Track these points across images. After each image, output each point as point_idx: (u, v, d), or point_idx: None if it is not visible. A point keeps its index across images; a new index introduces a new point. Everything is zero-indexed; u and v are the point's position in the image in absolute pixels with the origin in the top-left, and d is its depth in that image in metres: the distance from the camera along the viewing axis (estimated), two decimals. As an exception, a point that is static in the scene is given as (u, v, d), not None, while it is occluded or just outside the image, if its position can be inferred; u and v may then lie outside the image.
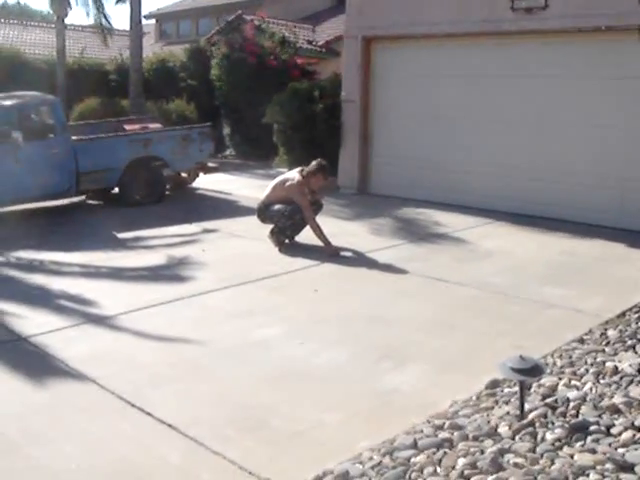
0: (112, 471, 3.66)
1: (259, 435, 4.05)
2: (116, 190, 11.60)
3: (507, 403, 4.31)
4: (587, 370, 4.84)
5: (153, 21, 31.00)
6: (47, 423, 4.18)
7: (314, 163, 8.63)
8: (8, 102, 10.47)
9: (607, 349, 5.30)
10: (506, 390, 4.54)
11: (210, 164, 12.94)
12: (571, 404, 4.19)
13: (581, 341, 5.54)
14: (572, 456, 3.52)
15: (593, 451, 3.55)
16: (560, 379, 4.69)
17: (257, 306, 6.44)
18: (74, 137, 10.83)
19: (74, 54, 23.88)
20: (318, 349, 5.40)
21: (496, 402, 4.37)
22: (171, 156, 11.67)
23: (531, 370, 3.96)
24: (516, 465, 3.45)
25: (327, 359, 5.20)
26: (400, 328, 5.86)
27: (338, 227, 9.50)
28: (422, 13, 11.42)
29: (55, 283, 7.19)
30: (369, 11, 12.15)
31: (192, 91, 20.43)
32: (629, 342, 5.43)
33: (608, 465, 3.38)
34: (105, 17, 22.39)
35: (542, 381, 4.64)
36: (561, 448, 3.62)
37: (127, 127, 12.59)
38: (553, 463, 3.44)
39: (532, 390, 4.49)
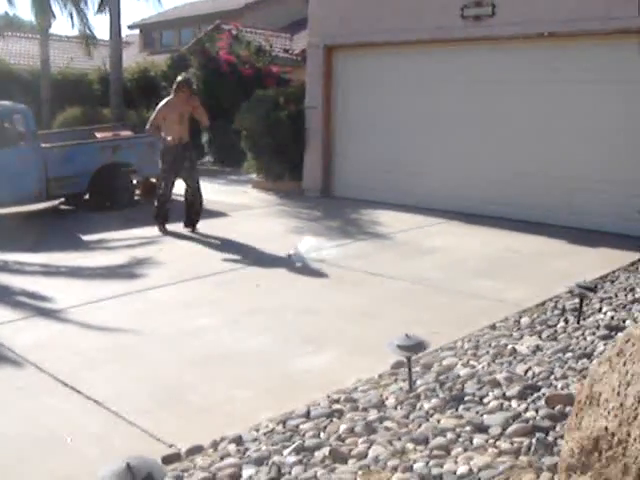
0: (35, 438, 4.10)
1: (174, 409, 4.51)
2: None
3: (404, 380, 4.74)
4: (487, 352, 5.29)
5: (138, 31, 31.49)
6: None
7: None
8: (-21, 111, 10.94)
9: (515, 334, 5.75)
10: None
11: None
12: (459, 380, 4.64)
13: (493, 327, 5.97)
14: (439, 421, 3.97)
15: (460, 417, 4.01)
16: (460, 359, 5.14)
17: (199, 299, 6.90)
18: (44, 144, 11.25)
19: (59, 64, 24.37)
20: (246, 336, 5.85)
21: (395, 380, 4.80)
22: (139, 162, 12.09)
23: (415, 346, 4.43)
24: (387, 429, 3.90)
25: (252, 345, 5.65)
26: (327, 318, 6.31)
27: (294, 226, 9.93)
28: (379, 22, 11.89)
29: (15, 281, 7.64)
30: (330, 21, 12.63)
31: (172, 99, 20.88)
32: (538, 328, 5.88)
33: (467, 427, 3.84)
34: (89, 28, 22.92)
35: (443, 361, 5.09)
36: (432, 415, 4.07)
37: (98, 135, 13.03)
38: (420, 427, 3.89)
39: (431, 369, 4.93)
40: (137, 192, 12.90)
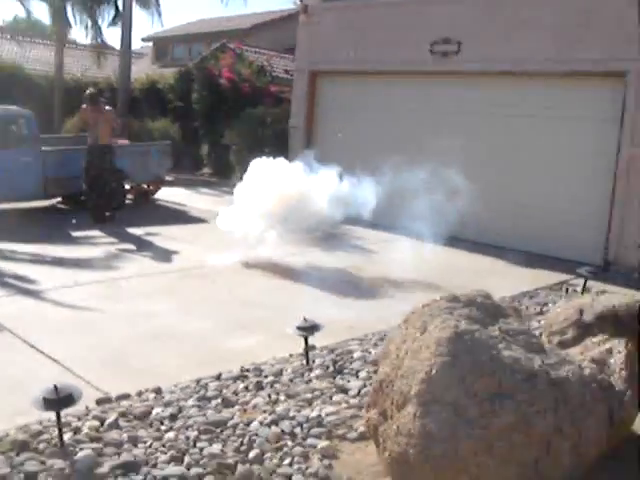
0: (1, 382, 5.17)
1: (115, 369, 5.58)
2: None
3: (314, 360, 5.74)
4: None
5: (151, 43, 32.79)
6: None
7: None
8: (-14, 115, 12.13)
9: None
10: (315, 352, 5.98)
11: (168, 178, 14.48)
12: (351, 360, 5.67)
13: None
14: (315, 384, 5.02)
15: (332, 383, 5.06)
16: (361, 347, 6.17)
17: (159, 289, 7.98)
18: (45, 147, 12.39)
19: (73, 72, 25.53)
20: (192, 320, 6.91)
21: (302, 359, 5.83)
22: (131, 169, 13.18)
23: (310, 328, 5.48)
24: (271, 387, 4.97)
25: (196, 327, 6.71)
26: (266, 310, 7.35)
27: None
28: (358, 52, 13.00)
29: (6, 266, 8.72)
30: (315, 48, 13.76)
31: (178, 112, 22.06)
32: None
33: (333, 389, 4.89)
34: (101, 39, 24.10)
35: (348, 347, 6.12)
36: (311, 381, 5.12)
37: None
38: (297, 387, 4.95)
39: (334, 352, 5.95)
40: (129, 196, 13.95)
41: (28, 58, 27.48)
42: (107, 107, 12.24)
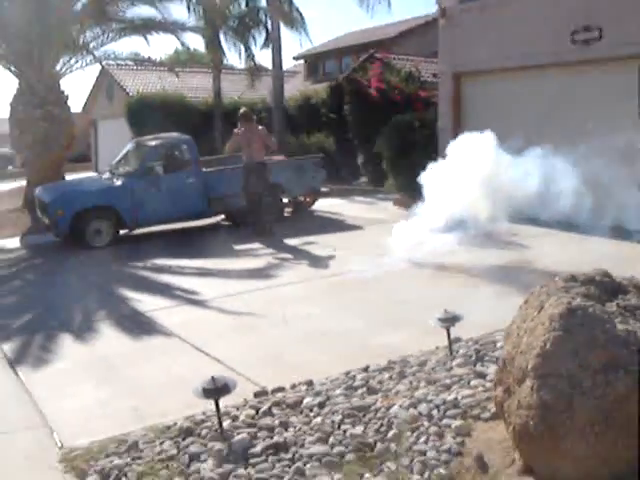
0: (170, 380, 5.76)
1: (272, 366, 6.06)
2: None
3: (458, 351, 5.95)
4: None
5: (303, 61, 33.83)
6: (139, 356, 6.41)
7: None
8: (154, 142, 13.14)
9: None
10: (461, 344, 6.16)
11: (324, 189, 15.05)
12: (494, 349, 5.86)
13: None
14: (455, 371, 5.27)
15: (472, 369, 5.26)
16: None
17: (315, 293, 8.47)
18: (205, 169, 13.27)
19: (230, 95, 26.88)
20: (343, 320, 7.29)
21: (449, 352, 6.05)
22: (288, 183, 13.84)
23: (451, 319, 5.72)
24: (413, 375, 5.26)
25: (347, 326, 7.09)
26: (418, 308, 7.60)
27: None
28: (499, 50, 13.04)
29: (174, 280, 9.52)
30: (456, 50, 13.92)
31: (332, 125, 22.75)
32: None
33: (471, 375, 5.11)
34: (254, 61, 25.29)
35: (494, 339, 6.28)
36: (452, 369, 5.36)
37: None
38: (437, 374, 5.22)
39: (478, 343, 6.14)
40: (287, 209, 14.63)
41: (189, 87, 29.11)
42: (260, 126, 12.88)
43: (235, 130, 12.75)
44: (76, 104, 26.76)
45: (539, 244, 10.48)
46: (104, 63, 22.18)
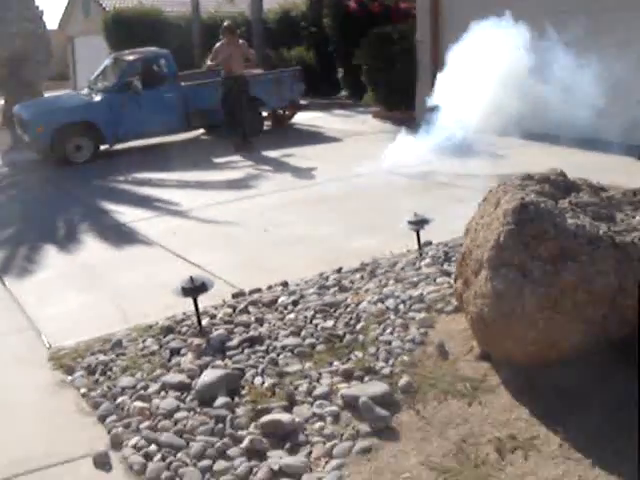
0: (153, 284, 6.00)
1: (249, 270, 6.32)
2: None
3: (428, 252, 6.18)
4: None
5: (283, -28, 33.20)
6: (122, 264, 6.68)
7: None
8: (131, 57, 13.12)
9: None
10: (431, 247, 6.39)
11: (303, 102, 15.10)
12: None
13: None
14: (422, 270, 5.52)
15: (440, 269, 5.52)
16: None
17: (293, 202, 8.66)
18: (184, 83, 13.28)
19: (209, 9, 26.47)
20: (319, 227, 7.52)
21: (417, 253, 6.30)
22: (266, 96, 13.88)
23: (422, 222, 5.95)
24: (384, 275, 5.52)
25: (322, 232, 7.33)
26: (390, 213, 7.79)
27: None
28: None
29: (155, 192, 9.72)
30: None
31: (312, 39, 22.54)
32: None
33: (438, 273, 5.37)
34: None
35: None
36: (420, 268, 5.61)
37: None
38: (406, 272, 5.48)
39: (447, 245, 6.37)
40: (266, 123, 14.70)
41: (167, 1, 28.61)
42: (240, 40, 12.83)
43: (217, 45, 12.65)
44: (52, 21, 26.33)
45: (519, 154, 10.51)
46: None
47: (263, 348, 4.42)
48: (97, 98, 12.75)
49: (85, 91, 13.63)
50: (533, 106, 8.47)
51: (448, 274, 5.31)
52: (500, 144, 10.55)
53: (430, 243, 6.42)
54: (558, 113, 8.29)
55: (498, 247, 3.68)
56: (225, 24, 12.84)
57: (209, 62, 12.97)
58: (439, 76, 9.84)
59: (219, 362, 4.28)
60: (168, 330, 4.88)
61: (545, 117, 8.92)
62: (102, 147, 12.88)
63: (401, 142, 10.05)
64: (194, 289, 4.66)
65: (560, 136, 9.74)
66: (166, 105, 12.91)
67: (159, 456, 3.48)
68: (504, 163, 9.88)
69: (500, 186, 4.09)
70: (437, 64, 13.95)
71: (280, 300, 5.25)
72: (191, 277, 4.71)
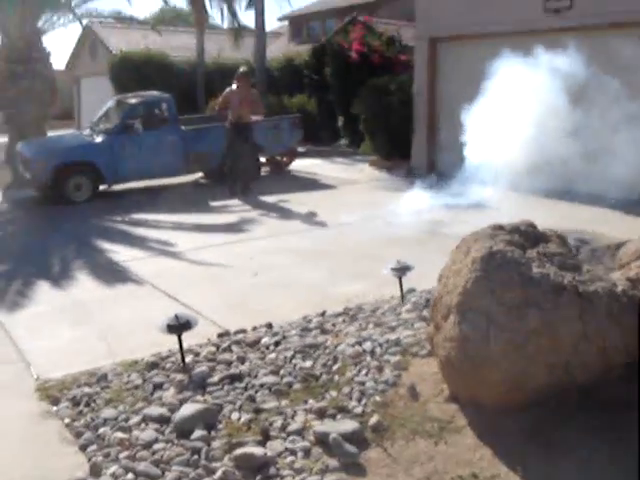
0: (142, 321, 6.17)
1: (236, 311, 6.48)
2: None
3: (410, 299, 6.37)
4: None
5: (287, 22, 33.89)
6: (112, 301, 6.84)
7: None
8: (133, 100, 13.44)
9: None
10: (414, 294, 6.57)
11: (300, 149, 15.40)
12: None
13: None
14: (403, 316, 5.70)
15: (417, 314, 5.70)
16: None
17: (284, 247, 8.85)
18: (184, 127, 13.58)
19: (213, 55, 26.99)
20: (307, 272, 7.70)
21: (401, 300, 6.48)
22: (266, 142, 14.16)
23: (404, 269, 6.13)
24: (364, 319, 5.69)
25: (310, 277, 7.51)
26: (375, 260, 8.00)
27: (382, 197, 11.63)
28: (475, 16, 13.30)
29: (151, 233, 9.91)
30: (434, 15, 14.19)
31: (314, 87, 22.98)
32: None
33: (417, 319, 5.54)
34: (238, 22, 25.42)
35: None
36: (401, 314, 5.79)
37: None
38: (386, 317, 5.66)
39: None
40: (264, 169, 14.98)
41: (173, 46, 29.12)
42: (253, 89, 13.14)
43: (228, 88, 12.79)
44: (60, 62, 26.86)
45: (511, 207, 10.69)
46: (86, 21, 22.23)
47: (242, 385, 4.58)
48: (98, 139, 13.05)
49: (87, 132, 13.93)
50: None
51: (426, 319, 5.48)
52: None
53: (414, 290, 6.58)
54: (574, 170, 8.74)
55: (466, 293, 3.86)
56: (241, 69, 13.02)
57: (217, 107, 13.23)
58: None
59: (199, 397, 4.44)
60: (153, 366, 5.04)
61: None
62: (101, 187, 13.10)
63: (399, 192, 10.25)
64: (179, 326, 4.84)
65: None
66: (166, 148, 13.19)
67: (135, 484, 3.62)
68: (498, 215, 10.06)
69: (472, 235, 4.29)
70: (433, 116, 14.33)
71: (263, 340, 5.42)
72: (176, 315, 4.88)
